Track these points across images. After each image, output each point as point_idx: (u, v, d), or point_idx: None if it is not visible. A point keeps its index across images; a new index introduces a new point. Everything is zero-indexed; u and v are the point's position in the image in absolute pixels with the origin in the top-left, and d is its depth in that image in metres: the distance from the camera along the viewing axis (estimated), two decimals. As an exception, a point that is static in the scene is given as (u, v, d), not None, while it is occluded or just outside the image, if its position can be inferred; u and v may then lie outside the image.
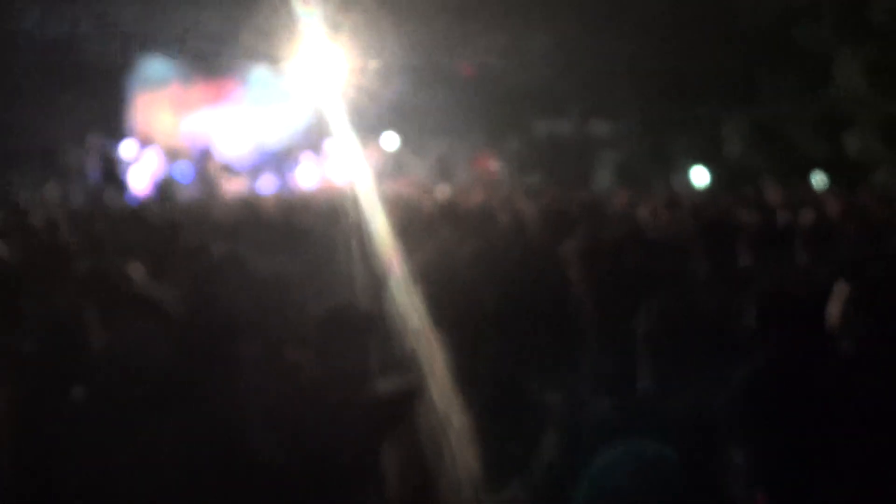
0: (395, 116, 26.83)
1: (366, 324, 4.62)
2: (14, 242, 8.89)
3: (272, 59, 24.65)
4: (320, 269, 7.27)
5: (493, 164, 28.74)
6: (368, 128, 24.29)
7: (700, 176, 25.83)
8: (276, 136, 27.45)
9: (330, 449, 4.22)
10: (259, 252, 7.91)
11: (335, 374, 4.45)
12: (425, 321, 4.67)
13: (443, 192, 19.70)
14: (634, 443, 3.03)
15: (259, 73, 27.33)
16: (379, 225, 7.58)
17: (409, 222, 8.97)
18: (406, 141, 28.08)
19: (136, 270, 6.51)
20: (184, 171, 25.59)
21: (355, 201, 10.00)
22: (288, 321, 5.29)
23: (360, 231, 7.92)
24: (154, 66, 27.46)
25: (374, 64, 23.84)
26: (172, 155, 26.00)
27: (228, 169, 26.43)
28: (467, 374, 4.25)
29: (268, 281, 6.24)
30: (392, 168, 26.65)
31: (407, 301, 4.98)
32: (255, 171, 26.73)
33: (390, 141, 27.72)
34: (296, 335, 4.95)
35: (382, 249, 6.62)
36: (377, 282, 5.63)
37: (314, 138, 26.57)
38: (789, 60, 25.69)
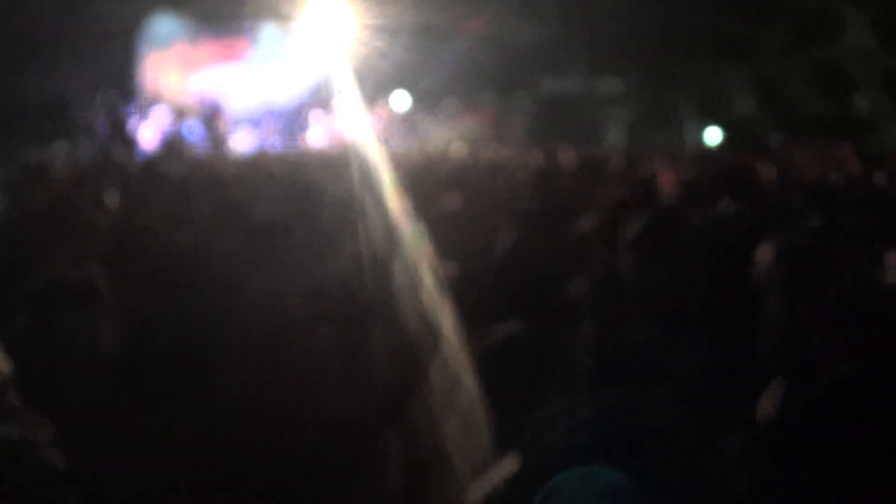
0: (406, 75, 26.78)
1: (370, 289, 4.62)
2: (32, 197, 8.97)
3: (281, 16, 24.61)
4: (324, 226, 7.28)
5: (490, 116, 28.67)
6: (378, 86, 24.28)
7: (712, 134, 25.80)
8: (284, 94, 27.46)
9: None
10: (265, 208, 7.95)
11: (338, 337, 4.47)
12: (436, 282, 4.66)
13: (458, 149, 19.76)
14: (595, 468, 3.04)
15: (268, 31, 27.32)
16: (388, 183, 7.58)
17: (420, 180, 9.01)
18: (416, 100, 28.02)
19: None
20: (192, 129, 25.62)
21: (364, 159, 10.03)
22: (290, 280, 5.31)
23: (368, 189, 7.94)
24: (164, 24, 27.47)
25: (383, 22, 23.77)
26: (181, 112, 26.04)
27: (237, 126, 26.48)
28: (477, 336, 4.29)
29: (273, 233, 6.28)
30: (403, 127, 26.66)
31: (417, 263, 4.97)
32: (263, 129, 26.76)
33: (401, 100, 27.67)
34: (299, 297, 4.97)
35: (392, 207, 6.62)
36: (385, 240, 5.63)
37: (323, 97, 26.55)
38: (792, 15, 25.63)
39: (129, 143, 24.55)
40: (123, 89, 26.36)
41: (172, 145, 24.56)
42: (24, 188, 10.04)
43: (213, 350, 4.53)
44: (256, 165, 14.31)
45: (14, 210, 8.34)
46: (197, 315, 4.90)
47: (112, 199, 8.86)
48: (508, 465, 3.50)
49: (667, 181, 9.52)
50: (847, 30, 24.07)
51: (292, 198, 9.14)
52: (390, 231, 5.68)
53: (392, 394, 4.28)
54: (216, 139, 25.22)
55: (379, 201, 6.88)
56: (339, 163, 11.50)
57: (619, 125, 28.78)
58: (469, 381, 4.15)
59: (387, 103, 26.96)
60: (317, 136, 26.44)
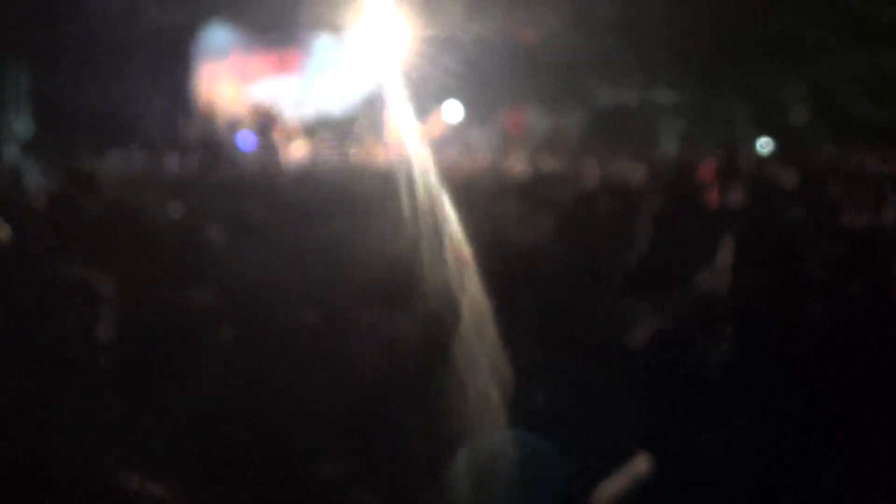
0: (459, 86, 26.76)
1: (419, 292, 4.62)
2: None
3: (335, 27, 24.67)
4: (377, 238, 7.29)
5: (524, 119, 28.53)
6: (431, 97, 24.27)
7: (765, 144, 25.65)
8: (338, 104, 27.51)
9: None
10: (320, 219, 7.95)
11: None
12: (482, 294, 4.67)
13: (516, 162, 19.73)
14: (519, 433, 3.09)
15: (322, 41, 27.38)
16: (441, 195, 7.55)
17: (474, 193, 8.99)
18: (469, 111, 27.98)
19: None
20: (246, 140, 25.69)
21: (419, 170, 10.01)
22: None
23: (423, 201, 7.91)
24: (218, 36, 27.59)
25: (435, 32, 23.79)
26: (235, 123, 26.14)
27: (291, 137, 26.54)
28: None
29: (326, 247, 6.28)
30: (455, 138, 26.62)
31: (465, 274, 4.97)
32: (317, 139, 26.81)
33: (453, 110, 27.62)
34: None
35: (445, 220, 6.60)
36: (441, 254, 5.62)
37: (377, 107, 26.58)
38: (847, 21, 25.45)
39: (183, 152, 24.63)
40: (178, 99, 26.50)
41: (227, 155, 24.64)
42: (74, 196, 10.08)
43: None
44: (310, 176, 14.33)
45: (63, 217, 8.37)
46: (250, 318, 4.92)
47: (164, 208, 8.87)
48: (638, 466, 3.50)
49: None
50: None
51: (345, 209, 9.13)
52: (446, 245, 5.66)
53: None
54: (270, 150, 25.28)
55: (434, 214, 6.86)
56: (394, 174, 11.49)
57: (672, 134, 28.65)
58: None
59: (439, 114, 26.93)
60: (370, 147, 26.45)
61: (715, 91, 28.03)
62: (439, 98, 26.35)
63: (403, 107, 21.61)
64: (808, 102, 26.27)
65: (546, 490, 3.05)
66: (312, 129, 27.03)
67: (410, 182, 9.22)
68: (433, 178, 8.22)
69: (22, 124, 25.91)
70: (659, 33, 27.29)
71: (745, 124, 27.54)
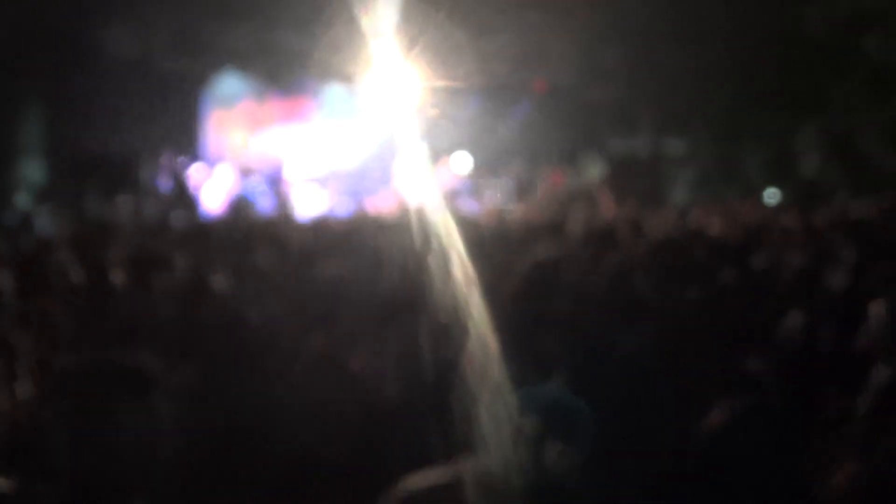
0: (468, 136, 26.79)
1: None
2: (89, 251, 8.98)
3: (346, 77, 24.72)
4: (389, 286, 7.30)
5: (563, 181, 28.48)
6: (441, 147, 24.29)
7: (772, 195, 25.61)
8: (349, 154, 27.55)
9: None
10: (332, 272, 7.94)
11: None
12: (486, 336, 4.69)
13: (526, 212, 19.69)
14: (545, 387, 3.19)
15: (333, 91, 27.46)
16: (452, 244, 7.53)
17: (483, 241, 8.96)
18: (479, 161, 27.97)
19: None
20: (257, 189, 25.69)
21: (428, 221, 9.97)
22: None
23: (432, 250, 7.89)
24: (229, 83, 27.68)
25: (446, 83, 23.83)
26: (246, 172, 26.15)
27: (302, 187, 26.55)
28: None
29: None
30: (465, 188, 26.60)
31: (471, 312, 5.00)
32: (328, 189, 26.80)
33: (463, 161, 27.61)
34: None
35: (455, 268, 6.58)
36: (452, 306, 5.61)
37: (387, 157, 26.61)
38: (860, 70, 25.48)
39: (192, 202, 24.65)
40: (188, 147, 26.57)
41: (237, 206, 24.64)
42: (87, 244, 10.07)
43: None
44: (322, 228, 14.31)
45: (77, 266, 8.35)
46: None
47: (172, 260, 8.82)
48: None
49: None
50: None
51: (358, 261, 9.12)
52: (457, 296, 5.64)
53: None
54: (282, 200, 25.28)
55: (444, 265, 6.83)
56: (404, 226, 11.45)
57: (686, 184, 28.67)
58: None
59: (448, 164, 26.91)
60: (381, 198, 26.46)
61: (730, 141, 28.05)
62: (449, 148, 26.34)
63: (414, 157, 21.65)
64: (823, 152, 26.26)
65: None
66: (324, 180, 27.05)
67: (420, 232, 9.18)
68: (443, 229, 8.21)
69: (35, 171, 25.98)
70: (673, 84, 27.34)
71: (759, 174, 27.55)
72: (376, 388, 5.08)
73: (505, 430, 3.75)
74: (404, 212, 18.13)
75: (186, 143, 26.65)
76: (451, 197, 22.97)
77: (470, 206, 22.93)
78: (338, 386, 4.84)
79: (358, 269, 8.32)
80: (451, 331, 4.95)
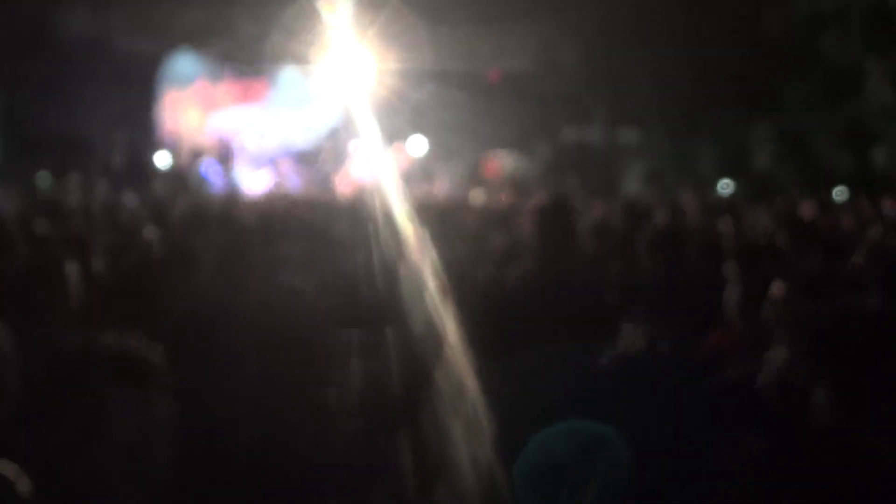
0: (423, 121, 26.78)
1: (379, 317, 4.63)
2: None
3: (301, 59, 24.65)
4: (341, 268, 7.26)
5: (500, 169, 28.47)
6: (396, 131, 24.26)
7: (725, 186, 25.72)
8: (302, 136, 27.48)
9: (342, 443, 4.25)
10: (282, 250, 7.90)
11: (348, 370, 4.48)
12: (445, 314, 4.66)
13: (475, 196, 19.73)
14: (575, 421, 3.04)
15: (287, 73, 27.38)
16: (405, 225, 7.51)
17: (437, 224, 8.95)
18: (433, 146, 27.97)
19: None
20: (210, 169, 25.60)
21: (380, 202, 9.96)
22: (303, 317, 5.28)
23: (384, 230, 7.88)
24: (184, 63, 27.56)
25: (402, 67, 23.80)
26: (199, 152, 26.07)
27: (254, 167, 26.50)
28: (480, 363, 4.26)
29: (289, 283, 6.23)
30: (419, 172, 26.60)
31: (427, 295, 4.97)
32: (281, 170, 26.75)
33: (418, 145, 27.60)
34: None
35: (407, 247, 6.57)
36: (396, 276, 5.61)
37: (341, 140, 26.58)
38: (815, 70, 25.63)
39: (145, 180, 24.52)
40: (143, 127, 26.45)
41: (190, 185, 24.57)
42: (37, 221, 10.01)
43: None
44: (272, 206, 14.26)
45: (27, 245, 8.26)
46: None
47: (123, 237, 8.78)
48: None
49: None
50: (869, 86, 24.04)
51: (307, 239, 9.09)
52: (407, 272, 5.63)
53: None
54: (233, 179, 25.22)
55: (395, 244, 6.82)
56: (356, 206, 11.44)
57: (639, 175, 28.76)
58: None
59: (404, 147, 26.89)
60: (334, 179, 26.43)
61: (683, 134, 28.17)
62: (404, 132, 26.31)
63: (367, 139, 21.62)
64: (776, 148, 26.41)
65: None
66: (277, 160, 26.99)
67: (372, 212, 9.17)
68: (395, 209, 8.19)
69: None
70: (625, 75, 27.43)
71: (709, 166, 27.69)
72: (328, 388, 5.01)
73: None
74: (358, 194, 18.17)
75: (140, 122, 26.52)
76: (405, 180, 22.95)
77: (423, 190, 22.93)
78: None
79: (310, 253, 8.28)
80: (415, 324, 4.90)
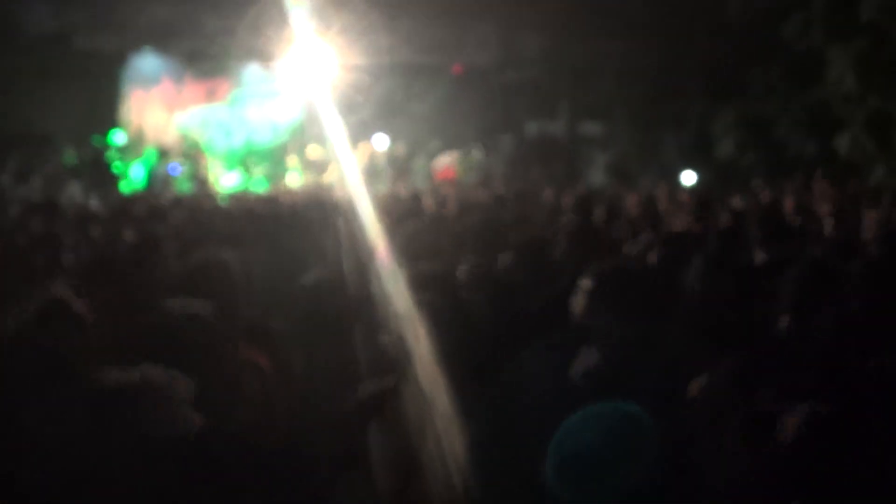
0: (386, 115, 26.81)
1: (352, 314, 4.64)
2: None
3: (264, 57, 24.66)
4: (308, 266, 7.28)
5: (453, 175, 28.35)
6: (359, 127, 24.26)
7: (689, 176, 25.76)
8: (266, 133, 27.49)
9: (315, 441, 4.26)
10: (250, 249, 7.92)
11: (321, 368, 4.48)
12: (412, 311, 4.67)
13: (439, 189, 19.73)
14: (602, 405, 3.01)
15: (251, 71, 27.37)
16: (368, 222, 7.56)
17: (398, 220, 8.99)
18: (396, 140, 27.97)
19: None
20: (175, 167, 25.57)
21: (345, 199, 10.00)
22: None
23: (348, 227, 7.93)
24: (147, 62, 27.50)
25: (365, 63, 23.80)
26: (164, 151, 26.03)
27: (220, 165, 26.50)
28: (452, 362, 4.26)
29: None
30: (382, 168, 26.63)
31: (394, 292, 4.99)
32: (245, 168, 26.77)
33: (382, 140, 27.61)
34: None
35: (372, 244, 6.61)
36: (365, 274, 5.64)
37: (305, 136, 26.63)
38: (778, 57, 25.71)
39: (110, 181, 24.47)
40: (107, 126, 26.37)
41: (155, 184, 24.55)
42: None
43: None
44: (238, 204, 14.26)
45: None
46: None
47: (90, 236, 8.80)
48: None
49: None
50: (832, 73, 24.13)
51: (274, 234, 9.13)
52: (371, 265, 5.68)
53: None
54: (199, 178, 25.18)
55: (359, 238, 6.87)
56: (321, 201, 11.48)
57: (602, 166, 28.80)
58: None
59: (368, 143, 26.91)
60: (298, 175, 26.48)
61: (647, 124, 28.23)
62: (368, 128, 26.31)
63: (332, 136, 21.62)
64: (735, 136, 26.48)
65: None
66: (242, 158, 26.99)
67: (336, 208, 9.22)
68: (359, 206, 8.23)
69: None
70: (588, 67, 27.51)
71: (672, 156, 27.75)
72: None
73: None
74: (322, 191, 18.19)
75: (105, 121, 26.45)
76: (369, 177, 23.00)
77: (387, 187, 22.99)
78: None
79: (277, 251, 8.32)
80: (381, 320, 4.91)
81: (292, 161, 27.01)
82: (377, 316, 4.87)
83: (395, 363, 4.30)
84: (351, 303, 5.01)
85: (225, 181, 25.84)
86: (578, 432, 2.95)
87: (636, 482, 2.87)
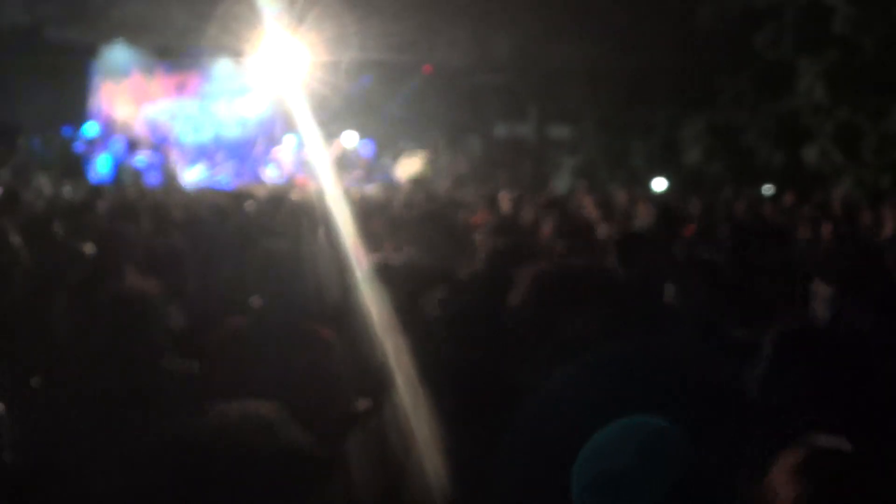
0: (355, 114, 26.78)
1: (330, 320, 4.59)
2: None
3: (235, 52, 24.62)
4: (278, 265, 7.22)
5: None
6: (328, 123, 24.23)
7: (659, 183, 25.81)
8: (236, 128, 27.45)
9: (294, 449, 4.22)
10: (217, 243, 7.89)
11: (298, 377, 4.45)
12: (390, 317, 4.65)
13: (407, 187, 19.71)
14: (633, 418, 2.91)
15: (221, 66, 27.30)
16: (340, 220, 7.52)
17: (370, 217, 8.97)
18: (367, 138, 27.95)
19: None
20: (144, 160, 25.47)
21: (315, 195, 9.97)
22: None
23: (319, 223, 7.89)
24: (118, 55, 27.40)
25: (334, 60, 23.79)
26: (133, 143, 25.94)
27: (189, 159, 26.43)
28: (433, 370, 4.23)
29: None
30: (353, 164, 26.60)
31: (372, 298, 4.95)
32: (214, 162, 26.70)
33: (351, 138, 27.58)
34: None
35: (346, 244, 6.57)
36: (342, 278, 5.59)
37: (274, 132, 26.59)
38: (748, 66, 25.84)
39: (79, 173, 24.36)
40: (77, 118, 26.27)
41: (123, 176, 24.44)
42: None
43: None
44: (206, 198, 14.21)
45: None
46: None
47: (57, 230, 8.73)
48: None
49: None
50: (802, 83, 24.28)
51: (238, 229, 9.08)
52: (342, 263, 5.65)
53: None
54: (168, 171, 25.10)
55: (329, 235, 6.84)
56: (289, 197, 11.44)
57: (570, 170, 28.84)
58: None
59: (338, 140, 26.86)
60: (267, 171, 26.42)
61: (616, 129, 28.31)
62: (338, 125, 26.27)
63: (301, 131, 21.59)
64: (704, 143, 26.59)
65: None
66: (211, 153, 26.92)
67: (307, 206, 9.19)
68: (330, 203, 8.20)
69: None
70: (558, 70, 27.55)
71: (641, 162, 27.83)
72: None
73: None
74: (289, 187, 18.15)
75: (75, 113, 26.35)
76: (338, 172, 22.95)
77: (356, 183, 22.98)
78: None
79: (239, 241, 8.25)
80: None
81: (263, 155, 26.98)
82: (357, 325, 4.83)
83: (377, 377, 4.28)
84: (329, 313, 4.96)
85: (192, 174, 25.79)
86: (604, 449, 2.85)
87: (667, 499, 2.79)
